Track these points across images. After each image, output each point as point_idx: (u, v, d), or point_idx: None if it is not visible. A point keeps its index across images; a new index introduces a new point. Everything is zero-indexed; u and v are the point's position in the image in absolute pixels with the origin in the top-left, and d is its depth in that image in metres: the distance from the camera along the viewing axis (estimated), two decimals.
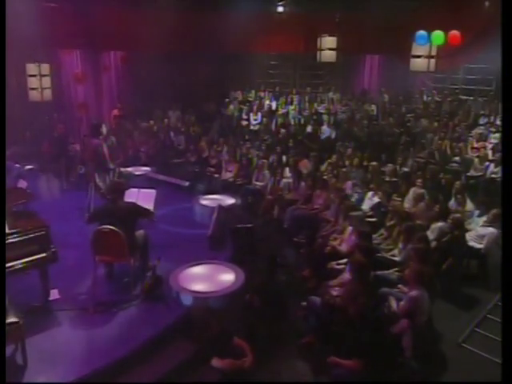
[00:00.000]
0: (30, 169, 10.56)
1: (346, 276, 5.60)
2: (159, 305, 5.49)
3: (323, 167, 10.07)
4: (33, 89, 10.60)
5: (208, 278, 5.53)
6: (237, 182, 10.01)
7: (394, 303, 5.20)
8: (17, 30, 10.81)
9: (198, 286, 5.34)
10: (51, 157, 10.58)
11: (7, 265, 4.93)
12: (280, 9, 15.80)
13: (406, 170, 9.68)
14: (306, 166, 10.11)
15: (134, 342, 4.88)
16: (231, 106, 15.33)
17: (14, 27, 10.75)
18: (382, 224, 7.35)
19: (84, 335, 5.07)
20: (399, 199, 7.95)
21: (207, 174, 10.57)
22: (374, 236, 7.06)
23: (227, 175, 10.46)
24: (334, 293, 5.50)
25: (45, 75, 10.74)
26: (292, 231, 8.18)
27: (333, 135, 12.83)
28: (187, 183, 9.62)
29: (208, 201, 8.16)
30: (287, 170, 9.92)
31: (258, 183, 9.81)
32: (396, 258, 6.32)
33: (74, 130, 14.00)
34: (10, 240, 5.00)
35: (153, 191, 6.55)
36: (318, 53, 13.69)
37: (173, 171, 10.80)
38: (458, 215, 6.78)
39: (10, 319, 4.35)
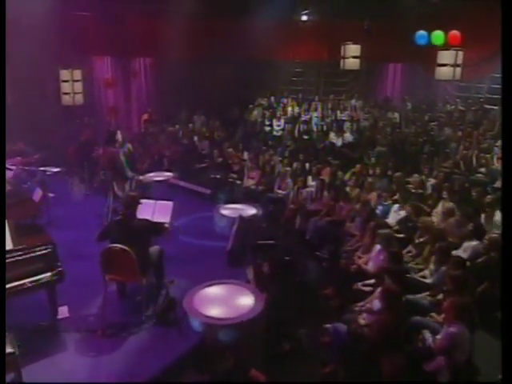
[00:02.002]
0: (57, 172, 10.03)
1: (375, 303, 4.77)
2: (172, 330, 4.76)
3: (346, 176, 9.20)
4: (65, 93, 10.54)
5: (225, 301, 4.77)
6: (258, 190, 9.22)
7: (428, 337, 4.35)
8: (51, 38, 10.68)
9: (214, 311, 4.59)
10: (75, 161, 9.99)
11: (11, 285, 4.28)
12: (304, 17, 15.05)
13: (432, 180, 8.75)
14: (328, 174, 9.28)
15: (143, 373, 4.18)
16: (255, 112, 14.55)
17: (49, 35, 10.61)
18: (410, 240, 6.48)
19: (90, 363, 4.39)
20: (428, 213, 7.11)
21: (229, 181, 9.81)
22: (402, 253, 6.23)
23: (249, 182, 9.69)
24: (362, 321, 4.69)
25: (77, 80, 10.65)
26: (314, 243, 7.38)
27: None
28: (209, 191, 8.86)
29: (229, 210, 7.37)
30: (310, 178, 9.11)
31: (280, 191, 9.01)
32: (427, 280, 5.46)
33: (103, 135, 13.56)
34: (14, 258, 4.33)
35: (170, 203, 5.82)
36: (342, 60, 12.91)
37: (195, 177, 10.09)
38: (495, 235, 5.86)
39: (7, 349, 3.67)
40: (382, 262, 5.48)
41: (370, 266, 5.75)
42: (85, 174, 9.33)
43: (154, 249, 5.14)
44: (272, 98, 15.66)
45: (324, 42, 14.43)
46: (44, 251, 4.47)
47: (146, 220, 5.07)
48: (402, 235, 6.64)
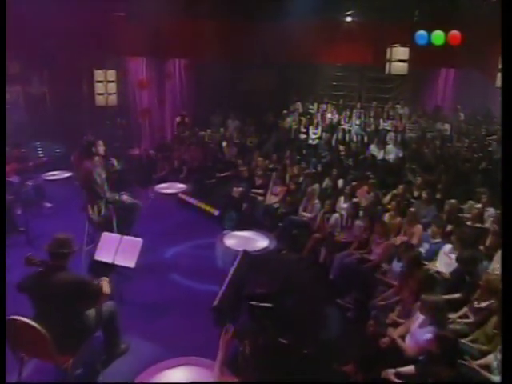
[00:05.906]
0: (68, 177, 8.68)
1: None
2: None
3: (386, 199, 7.17)
4: (99, 94, 9.91)
5: None
6: (279, 211, 7.34)
7: None
8: (86, 38, 10.00)
9: None
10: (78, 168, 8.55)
11: None
12: (348, 18, 13.02)
13: (491, 210, 6.55)
14: (365, 195, 7.29)
15: None
16: (288, 118, 12.65)
17: (84, 35, 9.89)
18: (467, 300, 4.44)
19: None
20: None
21: (250, 196, 8.00)
22: (453, 317, 4.23)
23: (272, 199, 7.84)
24: None
25: (111, 81, 9.99)
26: (338, 286, 5.50)
27: (400, 155, 9.82)
28: (217, 212, 7.09)
29: (235, 240, 5.58)
30: (342, 199, 7.13)
31: (305, 214, 7.10)
32: (494, 378, 3.43)
33: (134, 137, 12.27)
34: None
35: (138, 241, 4.09)
36: (387, 64, 10.81)
37: (211, 189, 8.36)
38: None
39: None
40: (428, 344, 3.51)
41: (409, 344, 3.78)
42: None
43: (101, 310, 3.39)
44: (310, 104, 13.70)
45: (368, 44, 12.29)
46: None
47: (78, 280, 3.24)
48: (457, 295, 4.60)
